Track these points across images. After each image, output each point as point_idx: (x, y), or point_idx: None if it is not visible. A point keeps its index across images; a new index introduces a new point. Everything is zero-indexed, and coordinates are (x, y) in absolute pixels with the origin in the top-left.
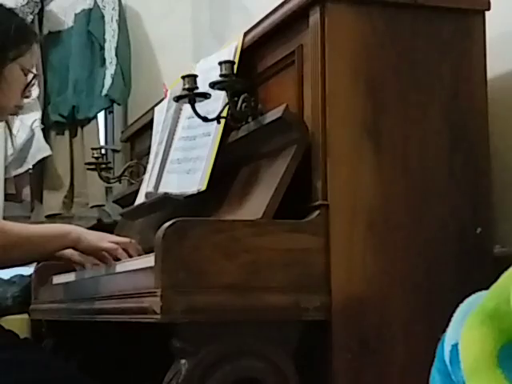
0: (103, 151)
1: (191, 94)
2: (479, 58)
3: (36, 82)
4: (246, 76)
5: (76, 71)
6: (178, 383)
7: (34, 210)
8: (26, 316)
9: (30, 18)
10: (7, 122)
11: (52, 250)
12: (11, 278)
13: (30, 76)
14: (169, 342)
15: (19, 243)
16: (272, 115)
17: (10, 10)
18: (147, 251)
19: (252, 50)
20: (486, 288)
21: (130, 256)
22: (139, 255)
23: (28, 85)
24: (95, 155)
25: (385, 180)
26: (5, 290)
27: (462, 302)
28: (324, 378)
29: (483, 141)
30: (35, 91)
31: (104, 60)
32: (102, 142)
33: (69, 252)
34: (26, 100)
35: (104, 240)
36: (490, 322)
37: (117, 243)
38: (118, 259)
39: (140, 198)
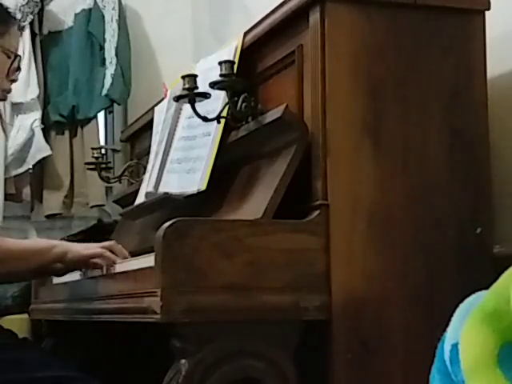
0: (103, 151)
1: (191, 94)
2: (479, 58)
3: (21, 65)
4: (246, 76)
5: (76, 71)
6: (178, 383)
7: (33, 209)
8: (25, 316)
9: (30, 17)
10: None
11: (38, 265)
12: None
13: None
14: (169, 342)
15: (5, 258)
16: (272, 115)
17: None
18: (147, 251)
19: (252, 50)
20: (486, 288)
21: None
22: (125, 258)
23: (10, 67)
24: (95, 155)
25: (385, 180)
26: (5, 290)
27: (461, 301)
28: (324, 378)
29: (483, 141)
30: (35, 90)
31: (104, 60)
32: (102, 142)
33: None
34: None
35: (88, 249)
36: (490, 321)
37: (101, 248)
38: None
39: (140, 198)
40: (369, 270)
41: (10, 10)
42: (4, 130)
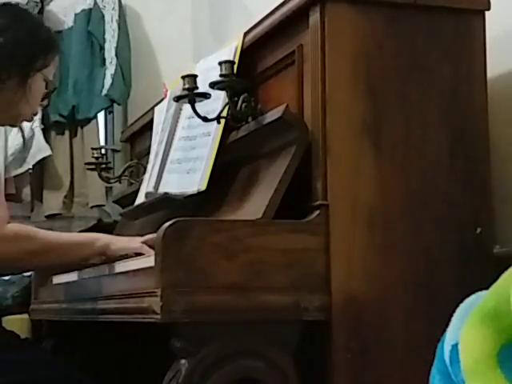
0: (103, 151)
1: (191, 94)
2: (479, 58)
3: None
4: (246, 76)
5: (76, 71)
6: (178, 383)
7: (33, 209)
8: (26, 316)
9: None
10: (20, 126)
11: (82, 257)
12: (11, 278)
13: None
14: (169, 342)
15: (50, 250)
16: (272, 115)
17: (38, 20)
18: None
19: (252, 50)
20: (486, 288)
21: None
22: None
23: (47, 94)
24: (95, 155)
25: (385, 180)
26: (5, 290)
27: (462, 302)
28: (324, 378)
29: (483, 140)
30: None
31: (104, 60)
32: (102, 142)
33: None
34: None
35: (131, 242)
36: (490, 322)
37: (144, 242)
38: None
39: (140, 198)
40: (369, 270)
41: (56, 37)
42: (23, 135)
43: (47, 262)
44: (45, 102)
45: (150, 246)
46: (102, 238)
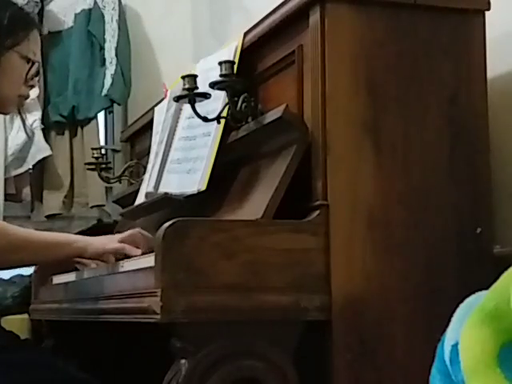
0: (103, 151)
1: (191, 94)
2: (479, 58)
3: (40, 71)
4: (246, 76)
5: (76, 71)
6: (178, 383)
7: (34, 209)
8: (26, 316)
9: None
10: (20, 112)
11: (54, 258)
12: (11, 277)
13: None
14: (169, 342)
15: (21, 247)
16: (272, 115)
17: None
18: (147, 251)
19: (252, 50)
20: (486, 288)
21: (138, 247)
22: (149, 247)
23: (28, 72)
24: (95, 155)
25: (385, 180)
26: (5, 290)
27: (462, 302)
28: (324, 378)
29: (483, 141)
30: (35, 90)
31: (104, 60)
32: (102, 142)
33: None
34: (31, 92)
35: (110, 243)
36: (490, 321)
37: (122, 241)
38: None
39: (140, 198)
40: (369, 270)
41: (28, 14)
42: (24, 124)
43: (18, 260)
44: (33, 83)
45: (130, 243)
46: (79, 240)
